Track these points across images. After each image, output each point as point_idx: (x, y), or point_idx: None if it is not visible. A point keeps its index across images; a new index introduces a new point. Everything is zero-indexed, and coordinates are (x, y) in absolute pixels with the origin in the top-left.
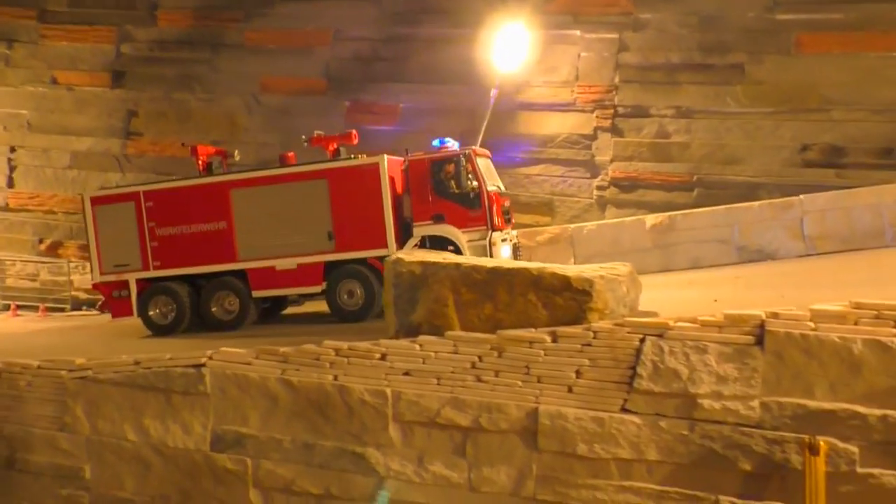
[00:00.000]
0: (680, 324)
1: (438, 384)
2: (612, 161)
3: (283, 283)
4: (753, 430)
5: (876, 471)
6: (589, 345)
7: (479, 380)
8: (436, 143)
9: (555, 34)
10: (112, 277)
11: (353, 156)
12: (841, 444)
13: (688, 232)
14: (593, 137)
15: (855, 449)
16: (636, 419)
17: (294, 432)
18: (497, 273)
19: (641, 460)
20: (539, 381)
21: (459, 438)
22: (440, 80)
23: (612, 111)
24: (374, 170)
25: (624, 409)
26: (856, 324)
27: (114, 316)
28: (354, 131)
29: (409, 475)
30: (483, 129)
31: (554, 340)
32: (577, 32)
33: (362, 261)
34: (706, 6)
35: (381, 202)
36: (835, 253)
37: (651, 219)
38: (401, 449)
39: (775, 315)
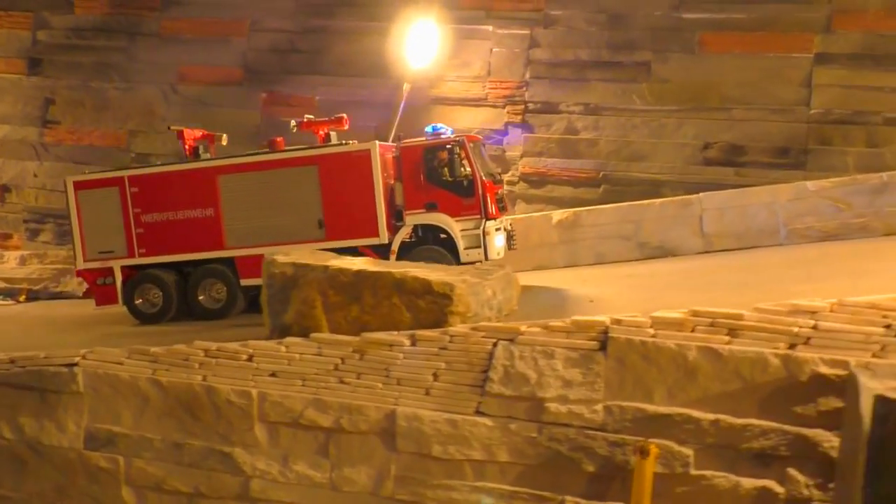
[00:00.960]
0: (531, 329)
1: (303, 385)
2: (521, 156)
3: None
4: (597, 432)
5: (708, 472)
6: (445, 348)
7: (341, 381)
8: (429, 129)
9: (467, 29)
10: (96, 264)
11: (344, 142)
12: (677, 447)
13: (592, 228)
14: (504, 133)
15: (689, 452)
16: (488, 421)
17: (165, 432)
18: (362, 276)
19: (493, 461)
20: (398, 384)
21: (323, 439)
22: (355, 73)
23: (522, 107)
24: (366, 156)
25: (478, 412)
26: (693, 331)
27: (98, 304)
28: (345, 116)
29: (274, 475)
30: (396, 123)
31: (413, 343)
32: (490, 28)
33: (353, 249)
34: (615, 4)
35: (372, 190)
36: (731, 250)
37: (557, 214)
38: (267, 449)
39: (618, 322)
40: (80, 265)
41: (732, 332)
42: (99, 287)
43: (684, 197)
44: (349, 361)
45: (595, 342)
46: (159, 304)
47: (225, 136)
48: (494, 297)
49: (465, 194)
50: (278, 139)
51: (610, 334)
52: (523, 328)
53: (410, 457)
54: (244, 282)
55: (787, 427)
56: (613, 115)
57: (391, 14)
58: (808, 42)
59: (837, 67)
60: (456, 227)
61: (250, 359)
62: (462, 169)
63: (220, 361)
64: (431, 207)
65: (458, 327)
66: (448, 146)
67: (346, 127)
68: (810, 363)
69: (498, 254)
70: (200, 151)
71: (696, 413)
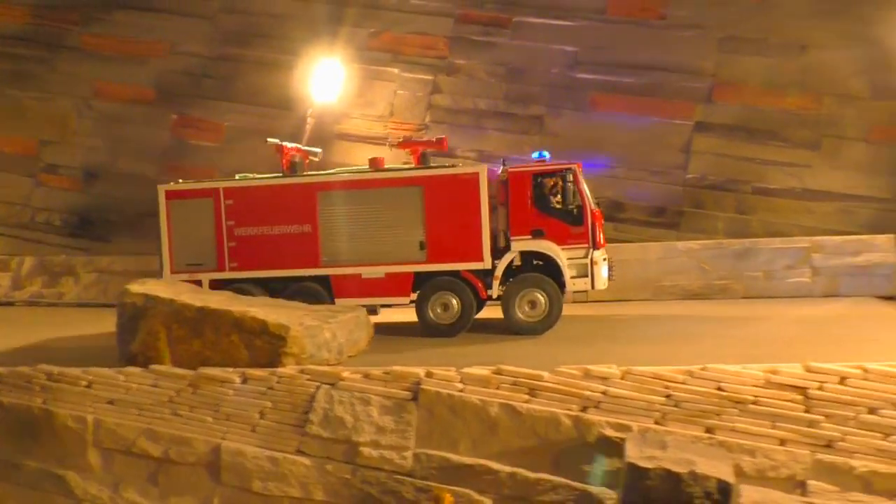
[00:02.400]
0: (351, 375)
1: (138, 415)
2: None
3: (369, 291)
4: (405, 478)
5: None
6: (272, 388)
7: (174, 413)
8: (535, 155)
9: (374, 70)
10: (184, 276)
11: (451, 164)
12: (476, 496)
13: None
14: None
15: (488, 501)
16: (307, 461)
17: (4, 451)
18: (205, 312)
19: (310, 499)
20: (227, 419)
21: (153, 468)
22: (263, 103)
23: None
24: (474, 180)
25: (298, 451)
26: (497, 388)
27: None
28: (445, 138)
29: (104, 500)
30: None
31: (244, 381)
32: (396, 70)
33: (455, 273)
34: (515, 58)
35: (478, 214)
36: (604, 301)
37: None
38: (100, 474)
39: (430, 374)
40: (167, 276)
41: (533, 391)
42: None
43: None
44: (183, 394)
45: (408, 392)
46: None
47: (320, 151)
48: (334, 339)
49: (573, 222)
50: (379, 158)
51: (422, 386)
52: (345, 374)
53: (233, 490)
54: (340, 301)
55: (574, 483)
56: None
57: (301, 48)
58: (690, 110)
59: (714, 136)
60: (563, 256)
61: (90, 385)
62: (574, 197)
63: (61, 386)
64: (538, 234)
65: (285, 369)
66: (560, 173)
67: (447, 149)
68: (597, 426)
69: (604, 284)
70: (297, 167)
71: (495, 465)
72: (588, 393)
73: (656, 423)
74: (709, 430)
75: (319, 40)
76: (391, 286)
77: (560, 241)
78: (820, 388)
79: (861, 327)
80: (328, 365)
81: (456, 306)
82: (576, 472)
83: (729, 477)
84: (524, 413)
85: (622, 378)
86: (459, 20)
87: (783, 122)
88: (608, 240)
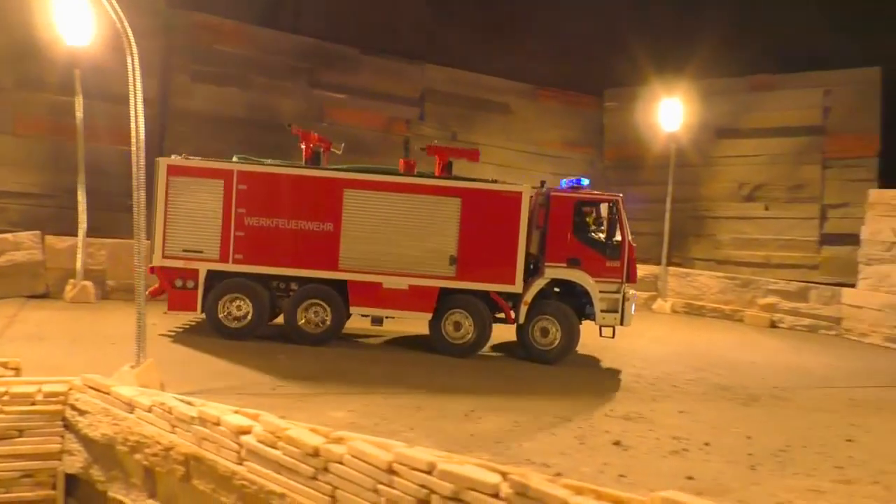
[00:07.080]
0: None
1: None
2: None
3: (389, 302)
4: None
5: None
6: None
7: None
8: (567, 181)
9: None
10: (178, 263)
11: (493, 179)
12: None
13: None
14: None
15: None
16: None
17: None
18: None
19: None
20: None
21: None
22: None
23: None
24: (516, 199)
25: None
26: None
27: (170, 308)
28: (477, 150)
29: None
30: None
31: None
32: None
33: (483, 294)
34: None
35: (516, 235)
36: None
37: None
38: None
39: None
40: (157, 261)
41: None
42: (176, 290)
43: None
44: None
45: None
46: (246, 318)
47: (342, 144)
48: None
49: (611, 256)
50: (412, 161)
51: None
52: None
53: None
54: (354, 309)
55: None
56: None
57: None
58: None
59: None
60: (595, 288)
61: None
62: (616, 229)
63: None
64: (574, 263)
65: None
66: (608, 204)
67: (478, 159)
68: None
69: (630, 321)
70: (318, 158)
71: None
72: None
73: None
74: None
75: None
76: (414, 299)
77: (594, 272)
78: None
79: None
80: None
81: (468, 327)
82: None
83: None
84: None
85: None
86: None
87: None
88: None
